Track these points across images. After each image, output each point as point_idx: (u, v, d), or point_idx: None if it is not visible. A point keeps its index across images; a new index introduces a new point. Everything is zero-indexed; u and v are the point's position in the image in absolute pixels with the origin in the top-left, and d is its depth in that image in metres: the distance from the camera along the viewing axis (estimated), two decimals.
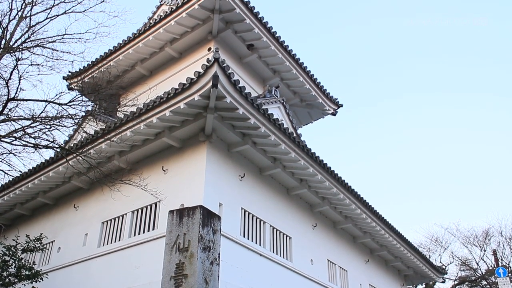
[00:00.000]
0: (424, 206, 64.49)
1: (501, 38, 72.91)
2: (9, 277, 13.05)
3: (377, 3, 79.81)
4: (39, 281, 13.43)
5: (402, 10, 79.69)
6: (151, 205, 13.64)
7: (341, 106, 24.18)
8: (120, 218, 14.39)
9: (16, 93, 10.55)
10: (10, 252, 13.43)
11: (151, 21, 20.05)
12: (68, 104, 10.78)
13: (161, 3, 22.87)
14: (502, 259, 35.16)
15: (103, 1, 12.19)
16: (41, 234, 14.71)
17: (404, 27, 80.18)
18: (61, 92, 10.76)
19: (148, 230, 13.29)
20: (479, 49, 76.44)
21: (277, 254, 14.87)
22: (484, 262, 36.55)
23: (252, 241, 13.89)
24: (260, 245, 14.19)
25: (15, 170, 11.48)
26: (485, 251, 36.63)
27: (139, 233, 13.51)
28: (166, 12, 19.04)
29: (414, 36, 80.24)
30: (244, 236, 13.56)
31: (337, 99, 23.90)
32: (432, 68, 77.13)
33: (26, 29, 11.43)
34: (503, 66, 73.16)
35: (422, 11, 75.40)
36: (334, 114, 24.20)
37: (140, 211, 13.91)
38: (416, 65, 78.57)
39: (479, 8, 74.93)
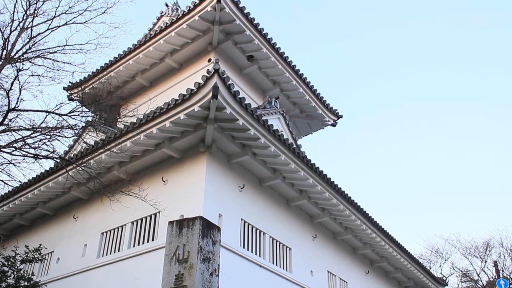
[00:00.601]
0: (424, 217, 64.42)
1: (501, 40, 72.98)
2: None
3: (376, 10, 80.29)
4: None
5: (402, 14, 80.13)
6: (150, 216, 13.61)
7: (341, 117, 24.24)
8: (120, 228, 14.36)
9: (16, 103, 10.60)
10: (9, 263, 13.38)
11: (151, 32, 20.15)
12: (69, 114, 10.82)
13: (162, 14, 23.02)
14: (503, 271, 35.04)
15: (104, 12, 12.28)
16: (40, 244, 14.68)
17: (404, 34, 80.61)
18: (62, 103, 10.82)
19: (148, 241, 13.26)
20: (479, 53, 76.73)
21: (277, 265, 14.82)
22: (485, 273, 36.46)
23: (252, 252, 13.85)
24: (260, 256, 14.15)
25: (15, 180, 11.48)
26: (485, 262, 36.54)
27: (138, 244, 13.47)
28: (167, 23, 19.15)
29: (414, 43, 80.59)
30: (243, 247, 13.53)
31: (336, 110, 23.96)
32: (432, 76, 77.41)
33: (27, 40, 11.51)
34: (504, 73, 73.36)
35: (422, 14, 75.72)
36: (334, 125, 24.26)
37: (139, 221, 13.89)
38: (416, 73, 78.83)
39: (479, 9, 75.19)
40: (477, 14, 73.49)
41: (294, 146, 14.37)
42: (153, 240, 13.12)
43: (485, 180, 67.72)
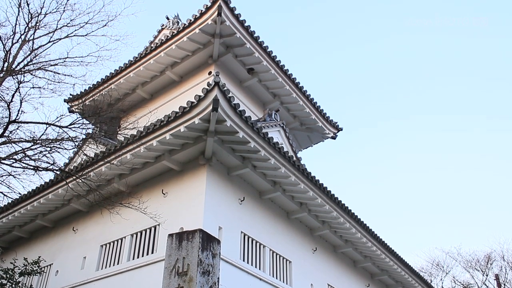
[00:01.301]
0: (425, 229, 64.20)
1: (502, 41, 73.04)
2: None
3: (376, 19, 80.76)
4: None
5: (400, 18, 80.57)
6: (150, 229, 13.57)
7: (341, 129, 24.27)
8: (119, 241, 14.31)
9: (17, 115, 10.65)
10: (8, 275, 13.34)
11: (152, 45, 20.24)
12: (69, 126, 10.85)
13: (163, 27, 23.15)
14: (504, 284, 34.85)
15: (105, 25, 12.37)
16: (39, 257, 14.64)
17: (404, 41, 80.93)
18: (62, 115, 10.86)
19: (147, 254, 13.20)
20: (481, 60, 77.03)
21: (276, 278, 14.74)
22: (487, 287, 36.27)
23: (252, 265, 13.79)
24: (259, 269, 14.08)
25: (14, 192, 11.48)
26: (487, 275, 36.37)
27: (138, 257, 13.41)
28: (167, 36, 19.25)
29: (415, 49, 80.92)
30: (243, 260, 13.47)
31: (336, 122, 24.00)
32: (434, 89, 77.62)
33: (29, 52, 11.59)
34: (504, 84, 73.57)
35: (422, 16, 76.10)
36: (334, 137, 24.28)
37: (139, 234, 13.84)
38: (418, 84, 79.06)
39: (479, 9, 75.40)
40: (477, 14, 73.72)
41: (294, 158, 14.38)
42: (152, 252, 13.07)
43: (486, 193, 67.66)
